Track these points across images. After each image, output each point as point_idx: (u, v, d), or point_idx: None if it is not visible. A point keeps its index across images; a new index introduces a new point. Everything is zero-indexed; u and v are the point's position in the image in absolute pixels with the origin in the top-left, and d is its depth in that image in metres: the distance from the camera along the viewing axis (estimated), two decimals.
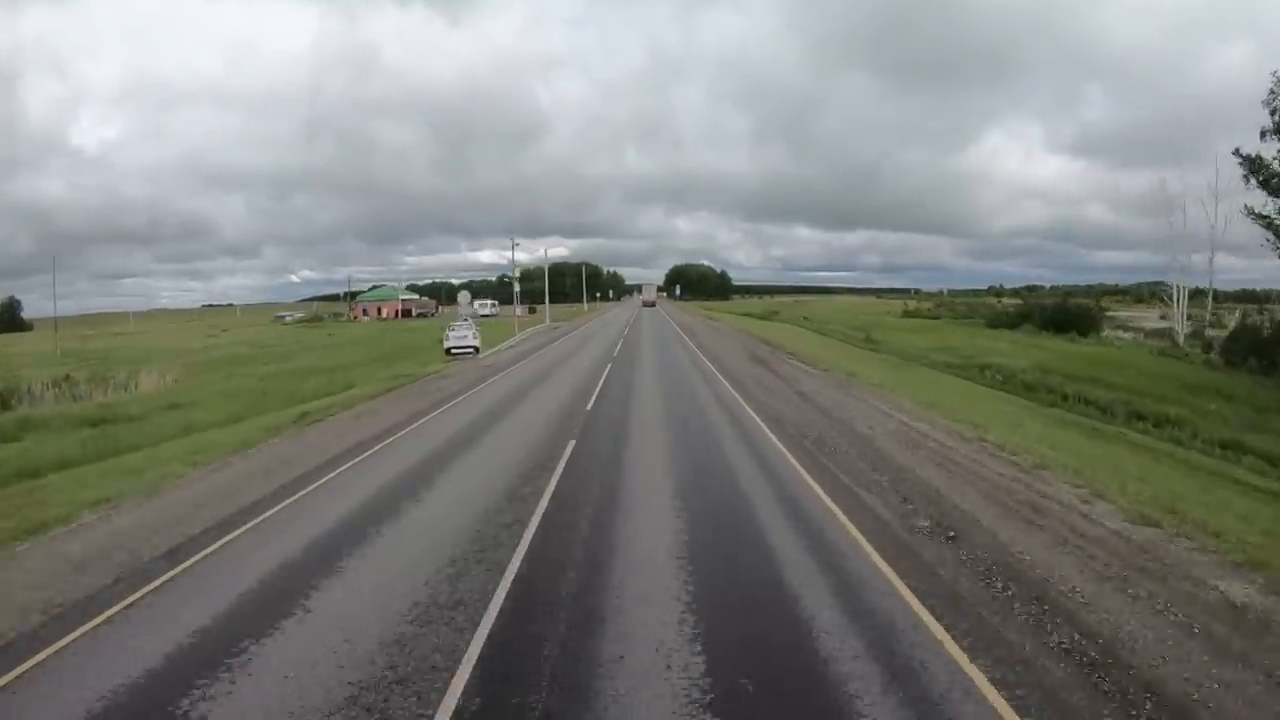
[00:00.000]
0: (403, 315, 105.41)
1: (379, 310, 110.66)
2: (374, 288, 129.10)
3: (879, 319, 75.34)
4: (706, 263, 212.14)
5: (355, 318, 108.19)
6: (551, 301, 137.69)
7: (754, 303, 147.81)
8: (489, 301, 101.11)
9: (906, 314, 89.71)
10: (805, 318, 63.53)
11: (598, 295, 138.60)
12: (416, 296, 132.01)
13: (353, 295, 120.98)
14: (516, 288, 39.87)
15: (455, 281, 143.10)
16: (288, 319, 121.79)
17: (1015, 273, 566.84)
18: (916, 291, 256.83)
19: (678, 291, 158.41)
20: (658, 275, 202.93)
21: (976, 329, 62.26)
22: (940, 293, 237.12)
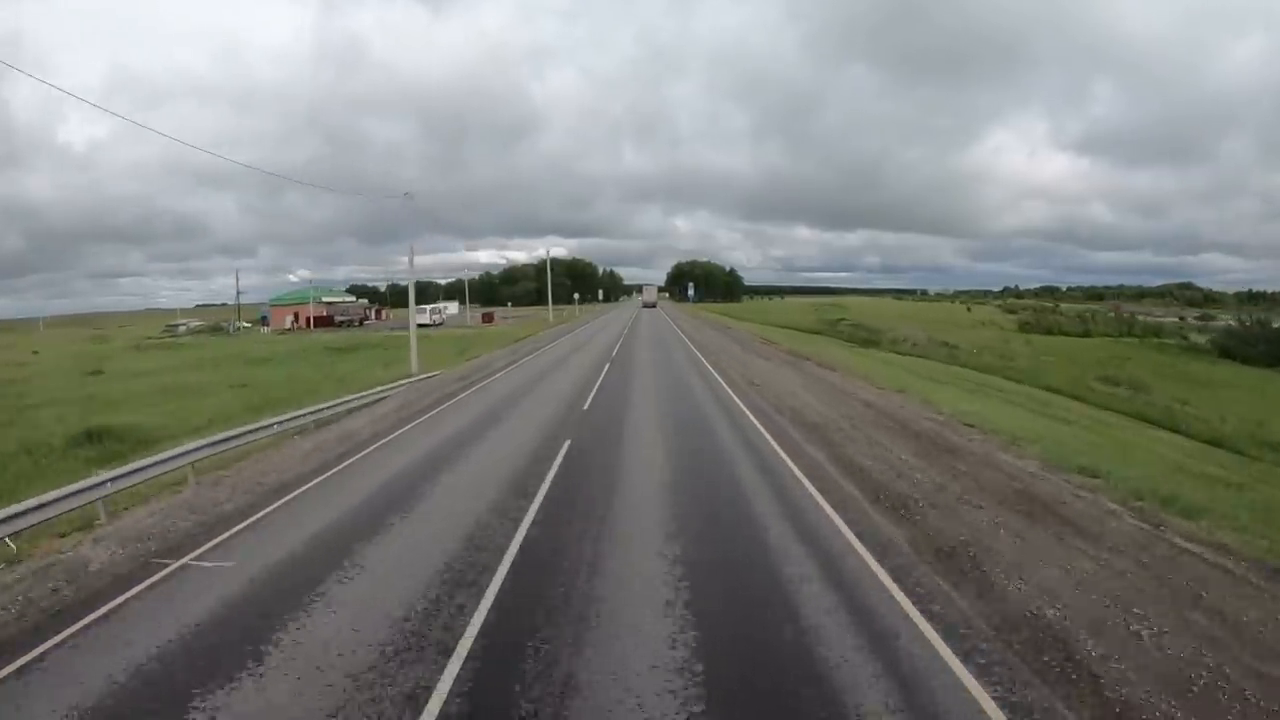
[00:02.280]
0: (316, 324, 77.14)
1: (295, 317, 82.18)
2: (287, 292, 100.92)
3: (1013, 340, 48.71)
4: (712, 260, 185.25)
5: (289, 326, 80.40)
6: (536, 303, 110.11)
7: (783, 305, 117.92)
8: (427, 306, 74.08)
9: (1025, 327, 63.38)
10: (950, 344, 36.46)
11: (577, 297, 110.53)
12: (353, 299, 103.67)
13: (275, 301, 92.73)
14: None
15: (442, 280, 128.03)
16: (182, 329, 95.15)
17: (1015, 273, 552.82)
18: (923, 293, 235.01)
19: (690, 293, 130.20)
20: (657, 275, 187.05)
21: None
22: (952, 294, 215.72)
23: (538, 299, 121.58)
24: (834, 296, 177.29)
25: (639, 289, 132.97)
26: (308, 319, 78.66)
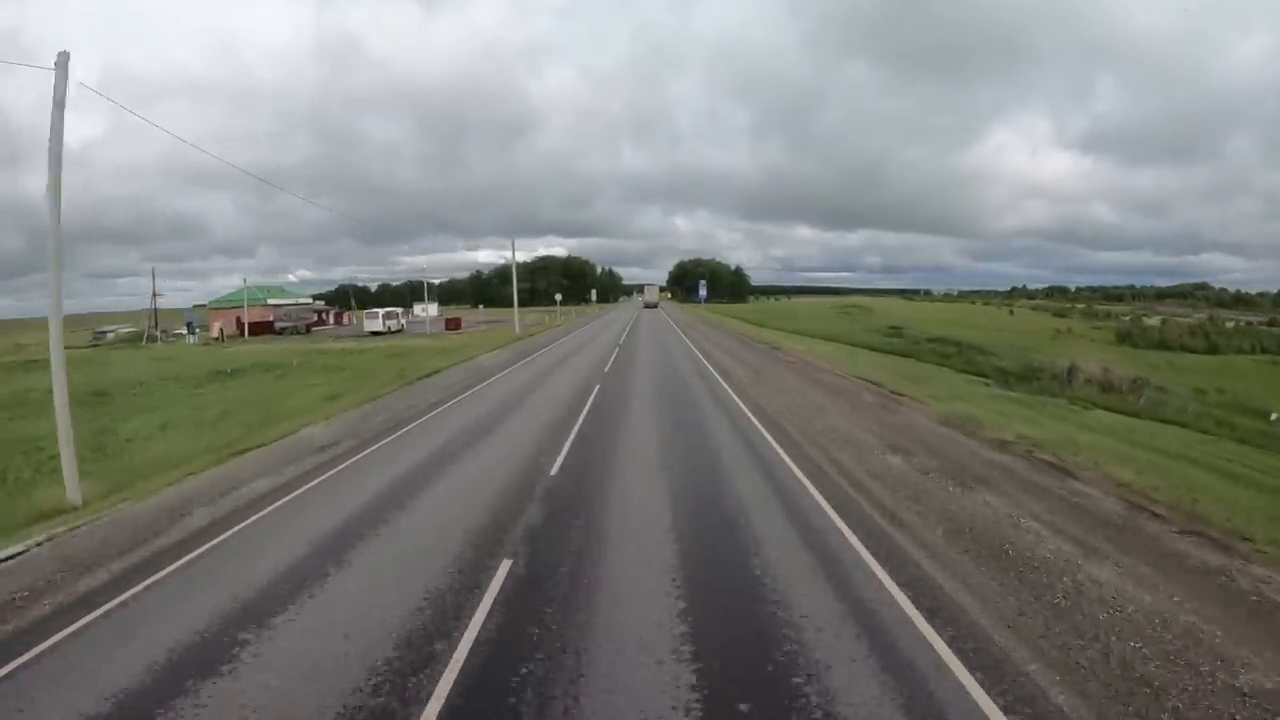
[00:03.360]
0: (253, 331, 63.92)
1: (237, 321, 68.59)
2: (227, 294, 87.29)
3: (1154, 361, 36.46)
4: (716, 259, 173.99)
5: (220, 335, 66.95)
6: (528, 304, 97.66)
7: (800, 307, 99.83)
8: (380, 311, 62.33)
9: (1126, 340, 51.22)
10: (1157, 385, 23.84)
11: (559, 298, 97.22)
12: (309, 300, 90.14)
13: (215, 304, 79.44)
14: None
15: (436, 280, 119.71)
16: (110, 335, 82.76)
17: (1016, 273, 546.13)
18: (926, 293, 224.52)
19: (701, 293, 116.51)
20: (658, 275, 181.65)
21: None
22: (957, 294, 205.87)
23: (531, 299, 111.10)
24: (840, 296, 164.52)
25: (640, 289, 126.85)
26: (241, 326, 65.25)
